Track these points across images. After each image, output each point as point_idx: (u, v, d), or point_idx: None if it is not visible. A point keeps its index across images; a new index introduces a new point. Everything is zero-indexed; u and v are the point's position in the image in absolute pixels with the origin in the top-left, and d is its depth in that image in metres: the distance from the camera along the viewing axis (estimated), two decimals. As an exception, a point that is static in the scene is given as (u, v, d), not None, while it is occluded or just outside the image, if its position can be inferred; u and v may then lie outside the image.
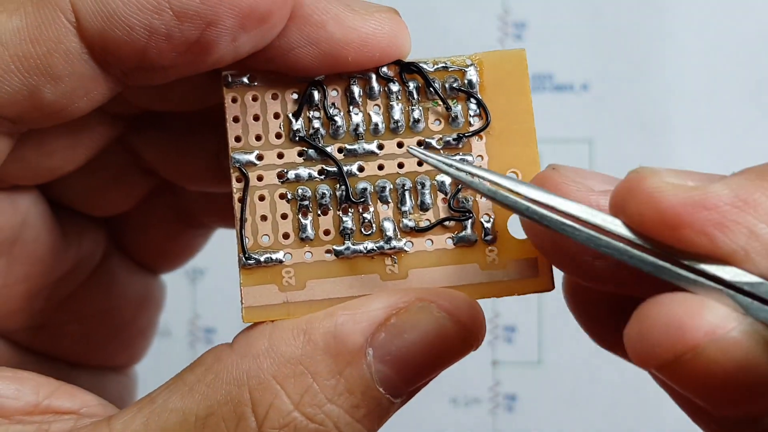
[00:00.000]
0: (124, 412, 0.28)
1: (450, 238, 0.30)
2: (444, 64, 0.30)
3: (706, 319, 0.24)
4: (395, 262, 0.30)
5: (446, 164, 0.28)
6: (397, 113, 0.30)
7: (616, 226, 0.26)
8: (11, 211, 0.33)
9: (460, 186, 0.30)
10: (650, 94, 0.53)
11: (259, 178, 0.30)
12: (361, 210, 0.30)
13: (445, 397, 0.55)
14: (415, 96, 0.30)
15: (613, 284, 0.28)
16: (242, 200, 0.30)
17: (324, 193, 0.30)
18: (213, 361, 0.29)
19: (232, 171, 0.30)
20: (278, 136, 0.30)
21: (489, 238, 0.30)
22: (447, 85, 0.30)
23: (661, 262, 0.25)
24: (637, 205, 0.25)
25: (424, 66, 0.30)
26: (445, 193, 0.30)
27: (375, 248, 0.30)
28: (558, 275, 0.30)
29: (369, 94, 0.30)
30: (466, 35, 0.51)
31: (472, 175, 0.27)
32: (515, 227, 0.30)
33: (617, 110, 0.50)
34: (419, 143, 0.30)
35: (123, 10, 0.28)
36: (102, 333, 0.38)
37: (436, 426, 0.55)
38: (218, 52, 0.29)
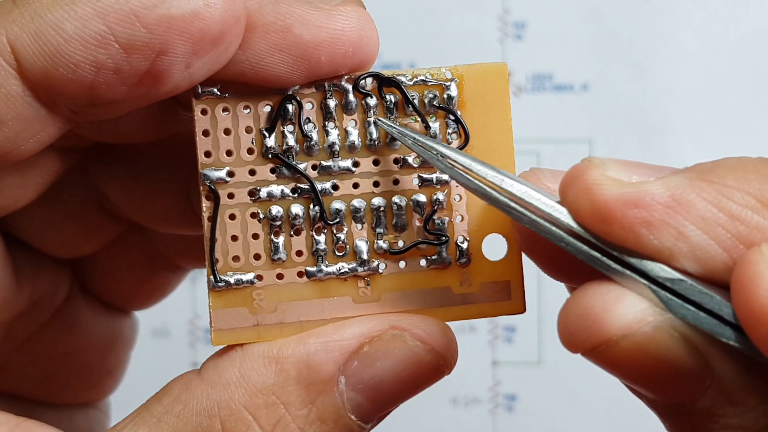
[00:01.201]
0: None
1: (424, 259, 0.29)
2: (423, 78, 0.29)
3: (620, 314, 0.25)
4: (368, 285, 0.29)
5: (411, 138, 0.28)
6: (374, 130, 0.29)
7: (561, 213, 0.26)
8: None
9: (435, 207, 0.29)
10: (650, 94, 0.53)
11: (230, 196, 0.28)
12: (335, 230, 0.29)
13: (445, 397, 0.55)
14: (393, 111, 0.29)
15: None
16: (212, 219, 0.28)
17: (297, 213, 0.29)
18: (181, 390, 0.28)
19: (201, 189, 0.28)
20: (250, 151, 0.28)
21: (464, 260, 0.29)
22: (426, 101, 0.29)
23: (593, 252, 0.26)
24: (575, 195, 0.26)
25: (403, 79, 0.29)
26: (421, 214, 0.29)
27: (348, 270, 0.29)
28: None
29: (345, 107, 0.29)
30: (466, 35, 0.50)
31: (434, 151, 0.28)
32: (490, 249, 0.30)
33: (617, 110, 0.50)
34: (395, 161, 0.29)
35: (66, 48, 0.26)
36: (66, 375, 0.37)
37: (436, 426, 0.55)
38: (172, 81, 0.27)
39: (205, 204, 0.28)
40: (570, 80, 0.52)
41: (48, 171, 0.31)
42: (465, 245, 0.29)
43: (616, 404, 0.55)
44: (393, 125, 0.28)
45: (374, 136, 0.29)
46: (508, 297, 0.30)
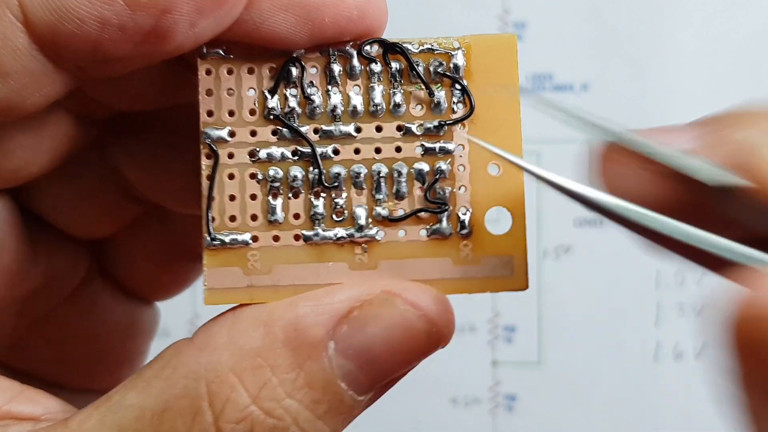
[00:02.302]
0: (81, 412, 0.27)
1: (424, 229, 0.29)
2: (430, 46, 0.29)
3: None
4: (365, 251, 0.28)
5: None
6: (378, 96, 0.29)
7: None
8: None
9: (437, 176, 0.29)
10: (650, 94, 0.52)
11: (230, 156, 0.28)
12: (333, 195, 0.28)
13: (445, 397, 0.54)
14: (398, 78, 0.29)
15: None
16: (210, 178, 0.28)
17: (296, 176, 0.28)
18: (172, 355, 0.27)
19: (201, 147, 0.28)
20: (252, 112, 0.29)
21: (464, 231, 0.29)
22: (432, 69, 0.29)
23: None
24: None
25: (409, 47, 0.29)
26: (423, 183, 0.29)
27: (345, 236, 0.28)
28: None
29: (349, 73, 0.29)
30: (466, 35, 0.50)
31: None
32: (492, 222, 0.29)
33: (617, 110, 0.49)
34: (399, 128, 0.29)
35: (72, 3, 0.26)
36: (81, 358, 0.37)
37: (436, 426, 0.54)
38: (177, 40, 0.27)
39: (205, 162, 0.28)
40: (570, 80, 0.51)
41: (61, 138, 0.31)
42: (467, 216, 0.29)
43: (616, 404, 0.53)
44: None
45: (377, 101, 0.29)
46: (510, 272, 0.29)
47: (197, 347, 0.27)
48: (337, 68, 0.29)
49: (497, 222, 0.29)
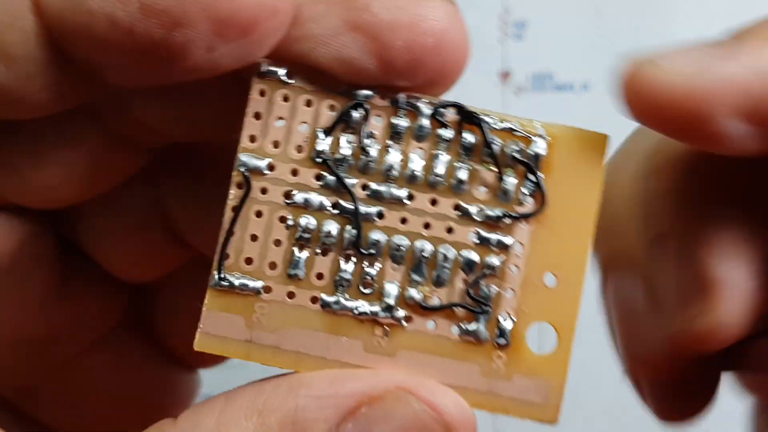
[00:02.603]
0: None
1: (457, 326, 0.25)
2: (511, 126, 0.25)
3: None
4: (386, 335, 0.25)
5: None
6: (441, 166, 0.25)
7: None
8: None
9: (486, 271, 0.25)
10: None
11: (263, 191, 0.25)
12: (366, 263, 0.25)
13: None
14: (468, 152, 0.25)
15: None
16: (236, 210, 0.25)
17: (330, 231, 0.25)
18: None
19: (234, 174, 0.25)
20: (299, 149, 0.25)
21: (502, 341, 0.25)
22: (508, 151, 0.25)
23: None
24: None
25: (489, 121, 0.25)
26: (468, 274, 0.25)
27: (368, 312, 0.25)
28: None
29: (416, 133, 0.25)
30: (466, 34, 0.51)
31: None
32: (536, 339, 0.25)
33: (617, 110, 0.49)
34: (456, 207, 0.25)
35: None
36: (99, 415, 0.33)
37: None
38: (191, 60, 0.24)
39: (234, 192, 0.25)
40: (570, 80, 0.51)
41: (103, 160, 0.28)
42: (508, 325, 0.25)
43: (616, 404, 0.52)
44: None
45: (439, 171, 0.25)
46: (542, 400, 0.25)
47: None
48: (403, 124, 0.25)
49: (540, 339, 0.26)
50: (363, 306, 0.25)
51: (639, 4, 0.53)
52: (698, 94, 0.25)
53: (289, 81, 0.25)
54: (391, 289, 0.25)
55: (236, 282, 0.25)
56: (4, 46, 0.24)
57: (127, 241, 0.31)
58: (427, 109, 0.25)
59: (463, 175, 0.25)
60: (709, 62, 0.25)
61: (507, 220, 0.25)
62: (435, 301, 0.25)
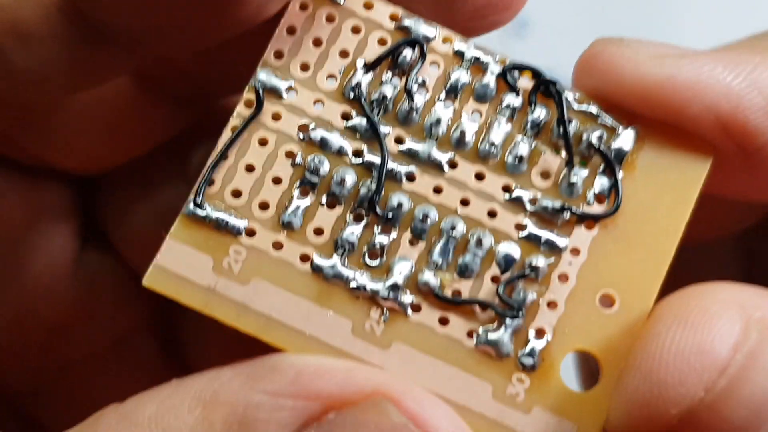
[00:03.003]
0: None
1: (475, 332, 0.19)
2: (594, 111, 0.20)
3: None
4: (383, 320, 0.19)
5: None
6: (499, 135, 0.20)
7: None
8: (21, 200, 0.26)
9: (526, 272, 0.20)
10: None
11: (275, 117, 0.20)
12: (379, 228, 0.20)
13: None
14: (536, 127, 0.20)
15: None
16: (236, 131, 0.20)
17: (344, 180, 0.20)
18: (92, 419, 0.20)
19: (246, 90, 0.20)
20: (331, 78, 0.21)
21: (529, 362, 0.19)
22: (585, 136, 0.20)
23: None
24: None
25: (569, 96, 0.20)
26: (503, 271, 0.20)
27: (367, 288, 0.19)
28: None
29: (477, 91, 0.20)
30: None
31: None
32: (570, 373, 0.20)
33: None
34: (506, 188, 0.20)
35: None
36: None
37: None
38: (243, 16, 0.20)
39: (240, 109, 0.20)
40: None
41: (132, 110, 0.24)
42: (540, 344, 0.19)
43: None
44: None
45: (495, 141, 0.20)
46: None
47: (118, 415, 0.19)
48: (463, 77, 0.20)
49: (575, 371, 0.20)
50: (363, 279, 0.20)
51: (643, 3, 0.51)
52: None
53: (339, 1, 0.21)
54: (403, 267, 0.20)
55: (215, 215, 0.20)
56: (20, 24, 0.20)
57: (150, 234, 0.27)
58: (497, 67, 0.21)
59: (523, 150, 0.20)
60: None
61: (566, 216, 0.20)
62: (454, 293, 0.20)
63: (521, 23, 0.47)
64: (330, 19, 0.21)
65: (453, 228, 0.20)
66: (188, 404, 0.19)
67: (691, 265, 0.21)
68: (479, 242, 0.20)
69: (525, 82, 0.21)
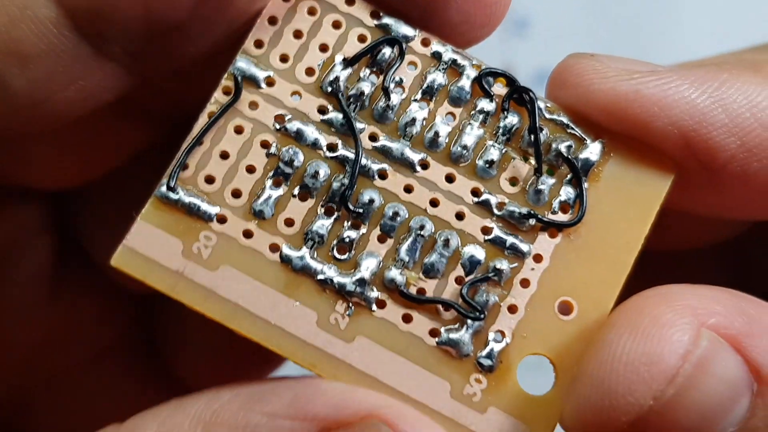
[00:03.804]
0: None
1: (438, 331, 0.20)
2: (566, 121, 0.21)
3: None
4: (348, 315, 0.20)
5: None
6: (470, 139, 0.21)
7: None
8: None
9: (490, 275, 0.20)
10: None
11: (252, 106, 0.20)
12: (348, 223, 0.20)
13: None
14: (507, 134, 0.21)
15: None
16: (213, 117, 0.20)
17: (317, 173, 0.20)
18: None
19: (224, 77, 0.20)
20: (309, 72, 0.21)
21: (487, 363, 0.20)
22: (555, 145, 0.21)
23: None
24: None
25: (541, 106, 0.21)
26: (467, 273, 0.20)
27: (334, 282, 0.20)
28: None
29: (452, 94, 0.21)
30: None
31: None
32: (527, 377, 0.20)
33: None
34: (475, 192, 0.20)
35: None
36: None
37: None
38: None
39: (217, 96, 0.20)
40: None
41: (104, 122, 0.24)
42: (499, 346, 0.20)
43: None
44: None
45: (467, 144, 0.21)
46: None
47: None
48: (439, 79, 0.21)
49: (532, 375, 0.20)
50: (330, 272, 0.20)
51: (644, 3, 0.51)
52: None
53: None
54: (370, 262, 0.20)
55: (187, 199, 0.20)
56: (16, 44, 0.20)
57: None
58: (472, 72, 0.21)
59: (494, 156, 0.21)
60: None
61: (531, 222, 0.20)
62: (419, 292, 0.20)
63: (521, 23, 0.46)
64: (312, 12, 0.21)
65: (421, 227, 0.20)
66: (188, 424, 0.19)
67: (680, 271, 0.21)
68: (446, 243, 0.20)
69: (499, 89, 0.21)
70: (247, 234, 0.20)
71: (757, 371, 0.19)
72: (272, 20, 0.21)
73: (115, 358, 0.28)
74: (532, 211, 0.20)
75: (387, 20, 0.21)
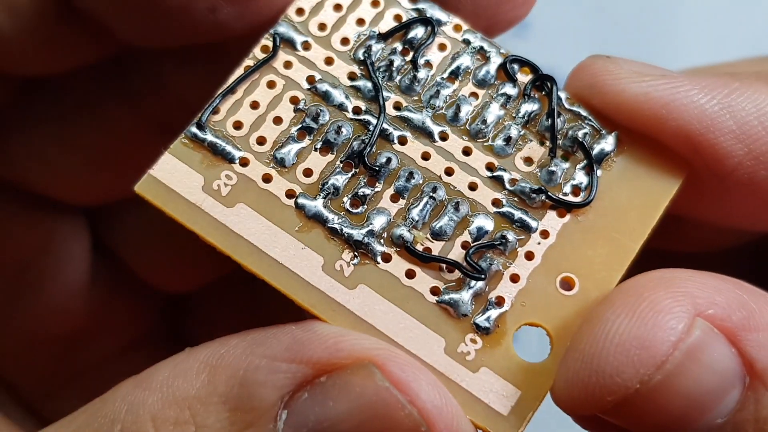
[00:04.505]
0: None
1: (437, 288, 0.20)
2: (585, 113, 0.22)
3: None
4: (353, 264, 0.20)
5: None
6: (491, 116, 0.21)
7: None
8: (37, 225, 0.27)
9: (496, 243, 0.21)
10: None
11: (287, 65, 0.22)
12: (364, 180, 0.21)
13: None
14: (526, 117, 0.21)
15: None
16: (248, 71, 0.21)
17: (340, 128, 0.21)
18: (112, 390, 0.21)
19: (265, 37, 0.22)
20: (344, 42, 0.22)
21: (484, 324, 0.20)
22: (571, 133, 0.21)
23: None
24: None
25: (562, 96, 0.22)
26: (474, 239, 0.21)
27: (343, 232, 0.20)
28: None
29: (477, 76, 0.22)
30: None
31: None
32: (525, 344, 0.20)
33: None
34: (489, 167, 0.21)
35: None
36: None
37: None
38: (192, 18, 0.22)
39: (256, 52, 0.22)
40: None
41: (133, 142, 0.26)
42: (497, 311, 0.20)
43: None
44: None
45: (488, 120, 0.21)
46: (505, 411, 0.20)
47: (135, 383, 0.20)
48: (467, 62, 0.22)
49: (528, 343, 0.21)
50: (341, 223, 0.20)
51: (644, 3, 0.51)
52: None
53: None
54: (381, 219, 0.21)
55: (214, 140, 0.21)
56: None
57: (161, 247, 0.29)
58: (498, 58, 0.22)
59: (513, 133, 0.21)
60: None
61: (542, 197, 0.21)
62: (425, 251, 0.20)
63: (522, 24, 0.48)
64: None
65: (434, 190, 0.21)
66: (197, 368, 0.20)
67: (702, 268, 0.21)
68: (457, 207, 0.21)
69: (523, 78, 0.22)
70: (266, 178, 0.21)
71: (750, 365, 0.19)
72: None
73: (143, 351, 0.29)
74: (542, 188, 0.21)
75: (423, 4, 0.22)
